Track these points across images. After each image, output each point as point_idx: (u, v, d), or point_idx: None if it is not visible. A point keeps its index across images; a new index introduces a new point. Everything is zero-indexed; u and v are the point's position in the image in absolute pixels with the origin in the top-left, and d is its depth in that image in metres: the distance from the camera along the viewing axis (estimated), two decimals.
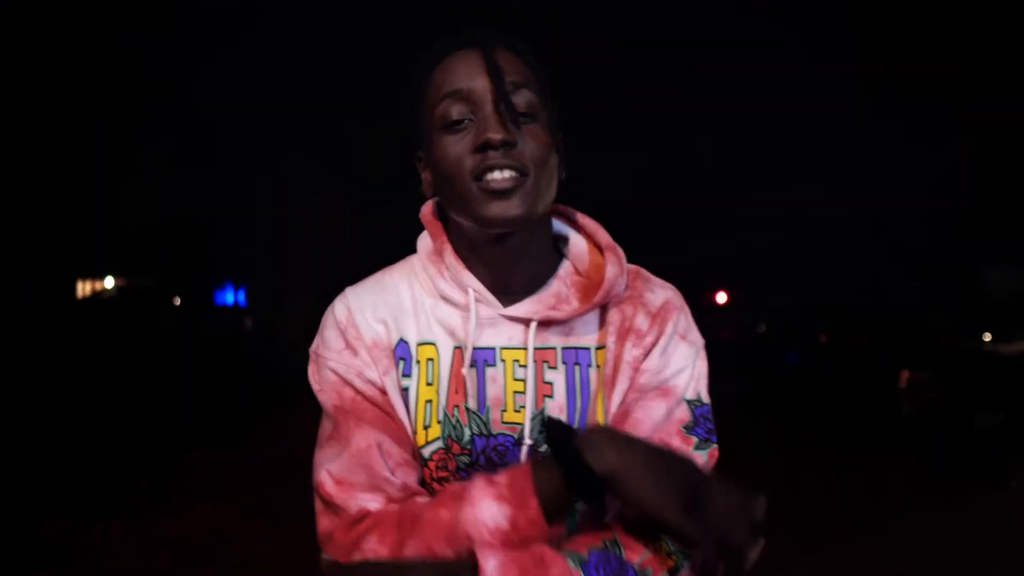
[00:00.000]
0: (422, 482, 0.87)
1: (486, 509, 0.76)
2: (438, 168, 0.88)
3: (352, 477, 0.85)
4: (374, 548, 0.80)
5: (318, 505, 0.89)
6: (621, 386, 0.89)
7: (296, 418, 9.88)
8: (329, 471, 0.87)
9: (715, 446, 0.91)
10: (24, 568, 4.09)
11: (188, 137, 16.07)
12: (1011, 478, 6.03)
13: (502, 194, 0.84)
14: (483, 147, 0.84)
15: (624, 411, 0.88)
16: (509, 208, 0.84)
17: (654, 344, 0.90)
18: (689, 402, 0.90)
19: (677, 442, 0.88)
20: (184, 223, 16.43)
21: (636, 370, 0.89)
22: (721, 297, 23.34)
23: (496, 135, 0.83)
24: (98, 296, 13.40)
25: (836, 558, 4.15)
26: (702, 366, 0.93)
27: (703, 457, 0.90)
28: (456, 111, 0.86)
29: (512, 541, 0.76)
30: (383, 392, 0.88)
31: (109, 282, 15.23)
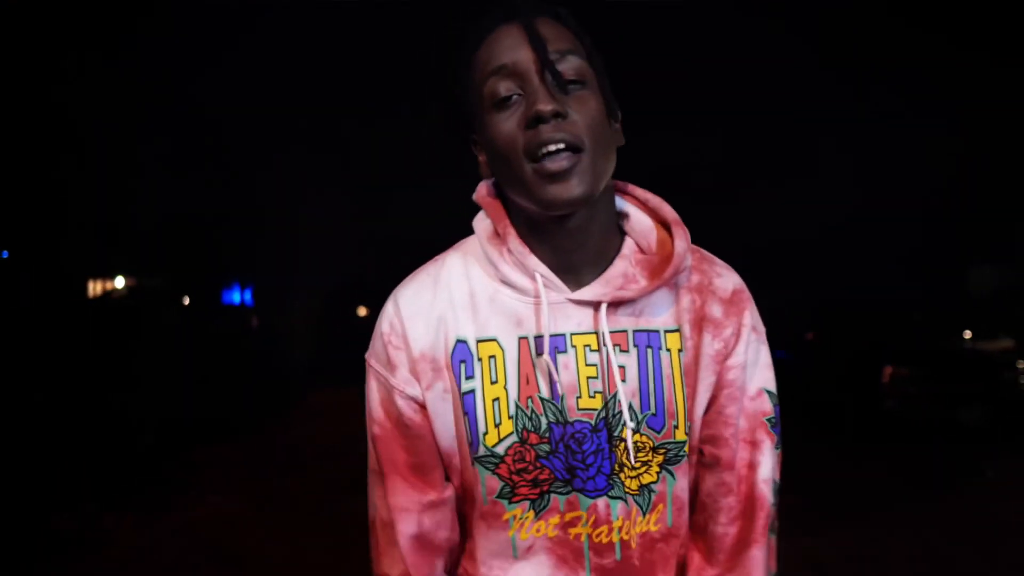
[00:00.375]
0: (500, 478, 0.85)
1: None
2: (492, 148, 0.84)
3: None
4: None
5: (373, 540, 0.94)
6: (707, 380, 0.88)
7: (298, 414, 9.99)
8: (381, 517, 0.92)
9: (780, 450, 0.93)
10: (42, 555, 4.14)
11: (194, 138, 16.10)
12: (988, 468, 6.09)
13: (559, 176, 0.79)
14: (534, 121, 0.79)
15: (718, 409, 0.88)
16: (568, 190, 0.80)
17: (735, 338, 0.89)
18: (769, 393, 0.91)
19: (761, 435, 0.90)
20: (192, 224, 16.47)
21: (721, 365, 0.88)
22: None
23: (545, 106, 0.78)
24: (109, 295, 13.41)
25: (820, 544, 4.21)
26: (769, 355, 0.93)
27: (777, 456, 0.92)
28: (503, 87, 0.82)
29: None
30: (422, 408, 0.87)
31: (120, 282, 15.25)
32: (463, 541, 0.93)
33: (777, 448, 0.91)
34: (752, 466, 0.89)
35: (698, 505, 0.91)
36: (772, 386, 0.92)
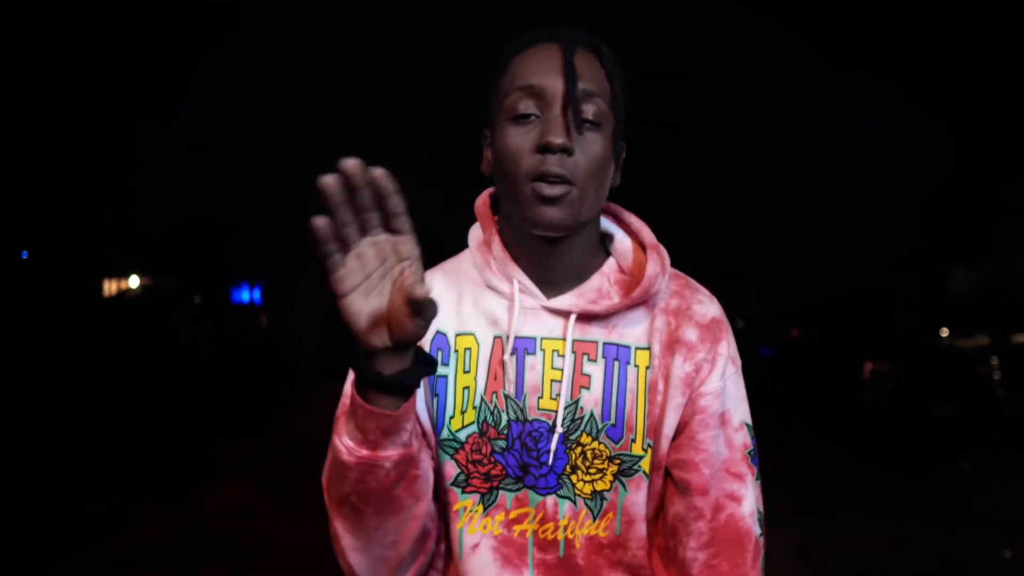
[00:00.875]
0: (458, 464, 0.87)
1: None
2: (499, 155, 0.85)
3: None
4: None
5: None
6: (675, 400, 0.86)
7: (305, 408, 10.03)
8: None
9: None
10: (65, 542, 4.21)
11: (204, 140, 16.12)
12: (964, 460, 6.18)
13: (550, 200, 0.82)
14: (543, 149, 0.81)
15: (690, 434, 0.86)
16: (554, 215, 0.82)
17: (708, 365, 0.87)
18: (748, 427, 0.90)
19: (743, 468, 0.87)
20: (203, 225, 16.51)
21: (690, 387, 0.87)
22: None
23: (557, 139, 0.80)
24: (123, 295, 13.45)
25: (803, 531, 4.29)
26: (743, 388, 0.91)
27: (759, 488, 0.89)
28: (524, 105, 0.83)
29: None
30: None
31: (134, 281, 15.29)
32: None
33: (757, 479, 0.89)
34: (735, 498, 0.86)
35: (668, 530, 0.88)
36: (749, 419, 0.90)
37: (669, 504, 0.88)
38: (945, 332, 10.93)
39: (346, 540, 0.83)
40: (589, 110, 0.82)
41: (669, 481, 0.88)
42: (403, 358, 0.73)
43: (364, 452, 0.76)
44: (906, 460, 6.38)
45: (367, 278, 0.69)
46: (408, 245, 0.69)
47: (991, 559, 3.99)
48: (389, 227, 0.68)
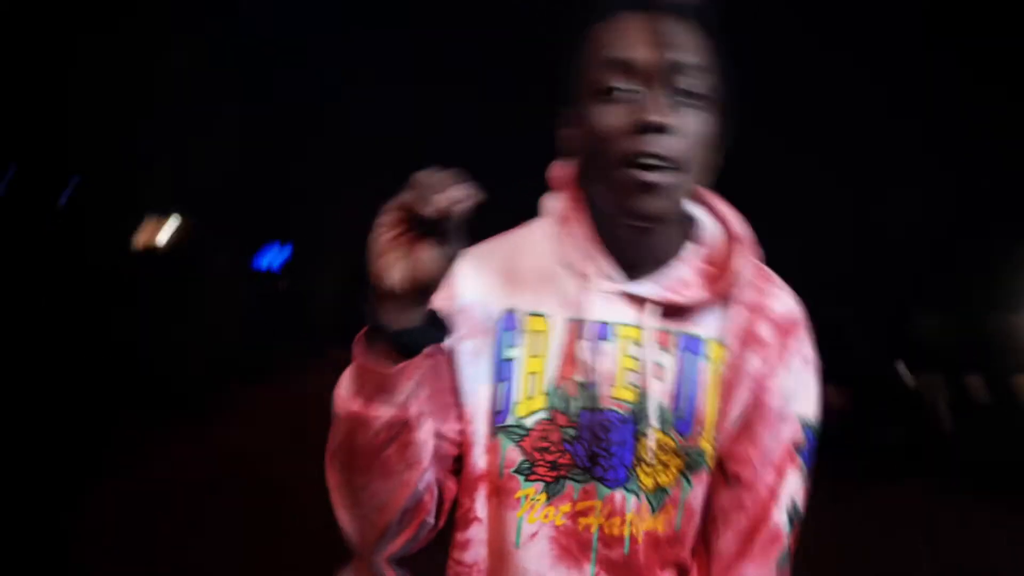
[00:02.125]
0: (523, 451, 0.79)
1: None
2: (588, 137, 0.75)
3: None
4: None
5: None
6: (741, 396, 0.80)
7: (323, 364, 10.15)
8: None
9: (808, 480, 0.83)
10: (102, 466, 4.33)
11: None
12: (908, 477, 6.36)
13: (647, 188, 0.72)
14: (642, 128, 0.70)
15: (746, 424, 0.80)
16: (653, 204, 0.73)
17: (779, 361, 0.80)
18: (803, 420, 0.82)
19: (789, 464, 0.81)
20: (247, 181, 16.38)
21: (759, 384, 0.80)
22: None
23: (655, 117, 0.70)
24: (153, 250, 13.42)
25: None
26: (817, 386, 0.84)
27: (801, 483, 0.82)
28: (615, 80, 0.72)
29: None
30: (449, 357, 0.81)
31: (174, 221, 15.03)
32: (453, 534, 0.85)
33: (801, 475, 0.82)
34: (773, 494, 0.80)
35: (709, 518, 0.82)
36: (811, 416, 0.82)
37: (716, 495, 0.82)
38: (901, 364, 11.11)
39: (335, 496, 0.77)
40: (689, 83, 0.71)
41: (719, 471, 0.81)
42: (413, 313, 0.67)
43: (354, 407, 0.70)
44: (860, 477, 6.55)
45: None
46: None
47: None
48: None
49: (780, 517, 0.80)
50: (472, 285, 0.81)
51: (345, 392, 0.71)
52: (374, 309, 0.67)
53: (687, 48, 0.71)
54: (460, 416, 0.81)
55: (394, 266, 0.65)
